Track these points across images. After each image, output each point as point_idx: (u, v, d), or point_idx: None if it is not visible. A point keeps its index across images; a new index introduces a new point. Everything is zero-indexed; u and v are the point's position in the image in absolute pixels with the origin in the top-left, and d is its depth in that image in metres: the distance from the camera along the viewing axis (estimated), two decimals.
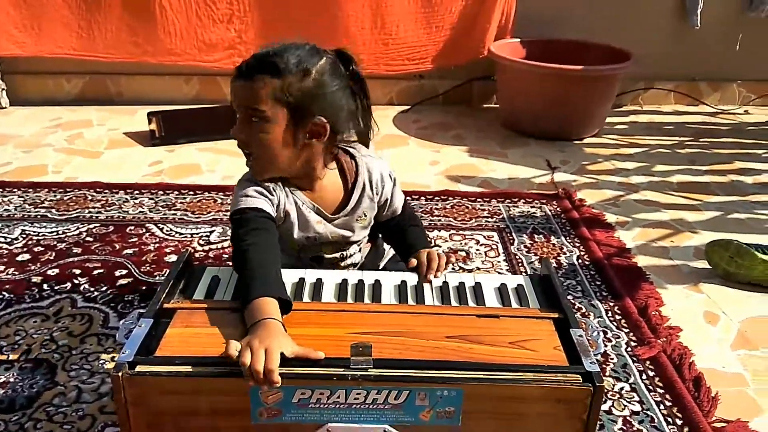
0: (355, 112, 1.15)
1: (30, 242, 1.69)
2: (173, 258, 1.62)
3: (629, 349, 1.34)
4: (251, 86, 1.06)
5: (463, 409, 0.88)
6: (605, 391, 1.16)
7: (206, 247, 1.69)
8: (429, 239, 1.37)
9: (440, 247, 1.74)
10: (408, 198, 1.95)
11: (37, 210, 1.86)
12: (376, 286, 1.10)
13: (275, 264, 1.04)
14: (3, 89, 2.75)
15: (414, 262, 1.17)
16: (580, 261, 1.68)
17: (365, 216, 1.24)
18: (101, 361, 1.25)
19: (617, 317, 1.45)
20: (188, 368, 0.86)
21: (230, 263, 1.59)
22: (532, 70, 2.50)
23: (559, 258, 1.70)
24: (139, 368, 0.86)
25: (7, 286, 1.49)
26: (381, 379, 0.86)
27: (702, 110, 3.03)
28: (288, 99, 1.06)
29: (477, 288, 1.11)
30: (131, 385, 0.85)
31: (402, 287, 1.11)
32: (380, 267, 1.37)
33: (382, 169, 1.24)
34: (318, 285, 1.09)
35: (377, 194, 1.23)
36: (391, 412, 0.88)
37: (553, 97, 2.51)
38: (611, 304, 1.50)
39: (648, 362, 1.30)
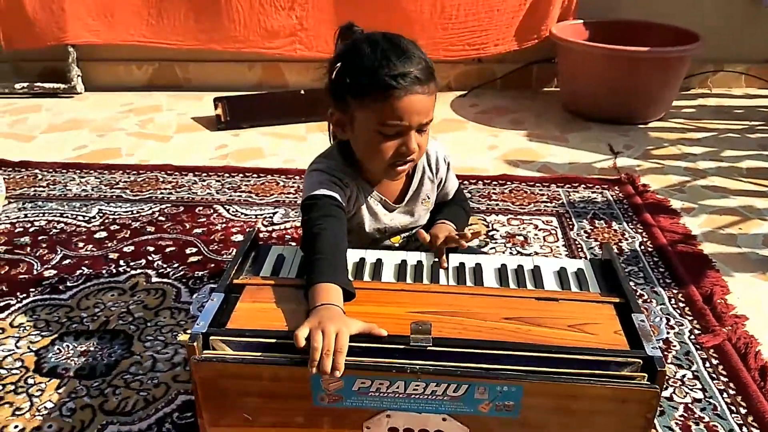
0: None
1: (107, 221, 1.79)
2: (239, 238, 1.69)
3: (693, 337, 1.32)
4: (428, 98, 1.06)
5: (522, 403, 0.88)
6: (666, 377, 1.15)
7: (270, 228, 1.75)
8: (465, 218, 1.32)
9: (498, 231, 1.74)
10: (466, 183, 1.96)
11: (112, 190, 1.97)
12: (435, 266, 1.12)
13: (343, 252, 1.06)
14: (78, 75, 2.89)
15: (427, 237, 1.15)
16: (642, 247, 1.66)
17: (428, 198, 1.26)
18: (175, 333, 1.32)
19: (681, 305, 1.42)
20: (251, 354, 0.89)
21: (293, 243, 1.65)
22: (596, 52, 2.44)
23: (620, 244, 1.67)
24: (206, 354, 0.89)
25: (86, 262, 1.58)
26: (440, 373, 0.87)
27: None
28: (435, 100, 1.09)
29: (536, 271, 1.11)
30: (199, 369, 0.89)
31: (460, 268, 1.12)
32: None
33: (437, 150, 1.26)
34: (378, 265, 1.12)
35: (435, 175, 1.25)
36: (450, 402, 0.89)
37: (617, 79, 2.45)
38: (675, 291, 1.47)
39: (712, 350, 1.28)
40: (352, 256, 1.14)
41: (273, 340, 0.91)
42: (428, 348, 0.89)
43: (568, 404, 0.88)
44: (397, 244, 1.28)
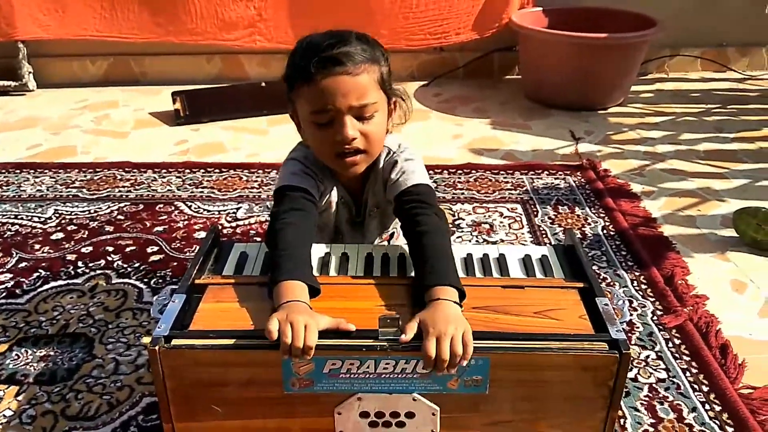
0: None
1: (63, 221, 1.73)
2: (202, 235, 1.66)
3: (655, 318, 1.34)
4: (354, 80, 1.01)
5: (490, 377, 0.89)
6: (631, 358, 1.17)
7: (233, 224, 1.72)
8: (447, 262, 1.00)
9: (464, 220, 1.74)
10: (431, 172, 1.95)
11: (68, 190, 1.91)
12: (401, 259, 1.11)
13: (308, 246, 1.04)
14: (30, 72, 2.79)
15: (409, 337, 0.88)
16: (605, 231, 1.68)
17: (383, 218, 1.24)
18: (137, 335, 1.29)
19: (643, 287, 1.45)
20: (222, 341, 0.89)
21: (258, 239, 1.63)
22: (556, 40, 2.46)
23: (583, 229, 1.69)
24: (174, 342, 0.89)
25: (43, 264, 1.54)
26: (409, 348, 0.88)
27: (730, 76, 2.96)
28: (385, 85, 1.07)
29: (501, 259, 1.12)
30: (167, 358, 0.88)
31: None
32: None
33: (398, 146, 1.17)
34: (344, 259, 1.11)
35: (388, 178, 1.15)
36: (420, 381, 0.90)
37: (577, 66, 2.48)
38: (637, 273, 1.49)
39: (674, 330, 1.31)
40: (318, 250, 1.12)
41: (238, 341, 0.89)
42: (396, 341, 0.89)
43: (534, 375, 0.90)
44: None
